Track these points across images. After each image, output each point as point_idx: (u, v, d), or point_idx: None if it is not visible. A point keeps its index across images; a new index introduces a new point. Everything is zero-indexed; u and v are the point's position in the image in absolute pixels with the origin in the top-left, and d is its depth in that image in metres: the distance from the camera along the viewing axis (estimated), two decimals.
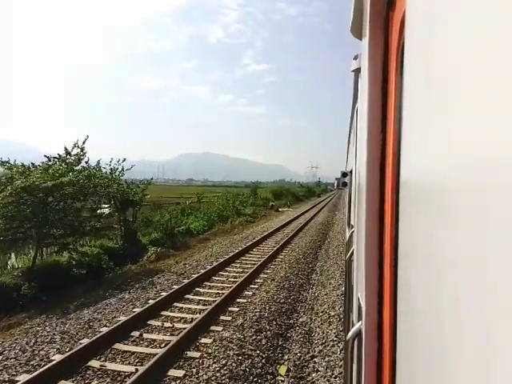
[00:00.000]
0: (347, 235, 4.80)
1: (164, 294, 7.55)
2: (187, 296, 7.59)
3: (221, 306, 6.80)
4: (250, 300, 7.40)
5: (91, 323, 6.20)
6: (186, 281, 8.53)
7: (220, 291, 7.96)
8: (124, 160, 13.47)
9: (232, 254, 11.70)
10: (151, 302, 7.06)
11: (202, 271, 9.41)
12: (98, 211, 16.25)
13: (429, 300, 0.53)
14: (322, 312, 7.00)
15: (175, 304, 7.08)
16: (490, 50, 0.33)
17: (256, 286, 8.41)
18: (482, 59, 0.35)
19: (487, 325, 0.32)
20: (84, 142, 12.33)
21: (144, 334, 5.72)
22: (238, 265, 10.58)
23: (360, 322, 1.33)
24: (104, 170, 13.23)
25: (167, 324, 6.12)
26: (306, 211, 31.73)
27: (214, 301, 7.11)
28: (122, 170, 13.51)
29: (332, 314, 6.83)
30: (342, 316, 6.50)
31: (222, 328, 5.95)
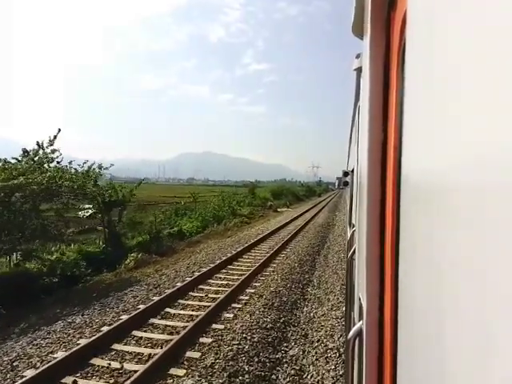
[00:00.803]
0: (348, 234, 4.68)
1: (125, 317, 6.15)
2: (152, 320, 6.16)
3: (190, 336, 5.38)
4: (228, 326, 5.97)
5: (16, 363, 4.79)
6: (156, 298, 7.13)
7: (194, 313, 6.54)
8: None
9: (219, 261, 10.31)
10: (104, 329, 5.65)
11: (179, 284, 8.01)
12: (80, 213, 14.95)
13: (429, 299, 0.53)
14: (318, 341, 5.59)
15: (134, 333, 5.66)
16: (491, 49, 0.33)
17: (239, 306, 6.99)
18: (483, 59, 0.35)
19: (487, 324, 0.33)
20: (55, 137, 10.97)
21: (79, 382, 4.32)
22: (222, 276, 9.17)
23: (361, 321, 1.35)
24: (83, 170, 11.96)
25: (115, 364, 4.70)
26: (306, 211, 30.33)
27: (184, 327, 5.71)
28: (100, 169, 12.16)
29: (330, 345, 5.43)
30: (342, 351, 5.12)
31: (184, 371, 4.54)
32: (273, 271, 9.65)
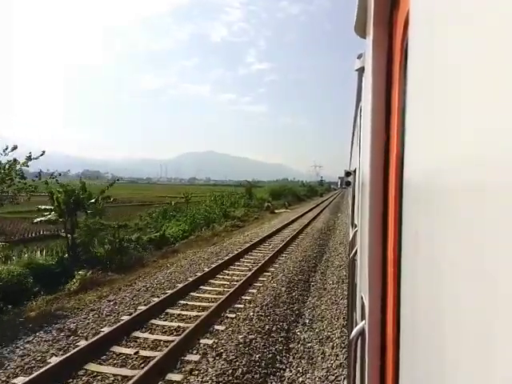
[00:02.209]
0: (350, 234, 4.64)
1: None
2: None
3: None
4: None
5: None
6: (58, 359, 4.66)
7: None
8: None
9: (182, 285, 7.88)
10: None
11: (105, 331, 5.50)
12: (38, 218, 12.59)
13: (432, 299, 0.53)
14: None
15: None
16: (493, 50, 0.33)
17: (178, 378, 4.43)
18: (485, 59, 0.35)
19: (489, 324, 0.33)
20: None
21: None
22: (176, 313, 6.59)
23: (363, 321, 1.35)
24: None
25: None
26: (305, 213, 27.86)
27: None
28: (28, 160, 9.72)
29: None
30: None
31: None
32: (249, 302, 7.14)
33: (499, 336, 0.31)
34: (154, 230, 22.45)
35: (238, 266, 10.16)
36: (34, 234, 20.43)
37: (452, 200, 0.44)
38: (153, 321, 6.07)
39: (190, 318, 6.17)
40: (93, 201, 14.98)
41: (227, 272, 9.40)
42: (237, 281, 8.41)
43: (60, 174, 13.05)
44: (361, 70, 2.15)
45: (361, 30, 1.70)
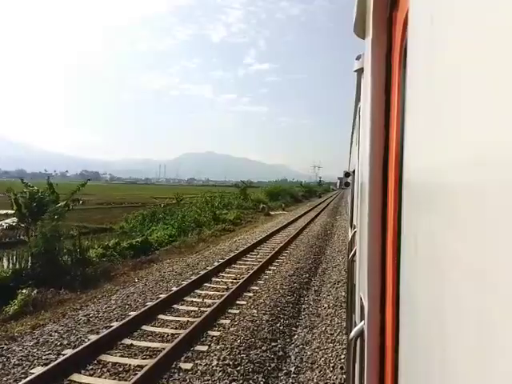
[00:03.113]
0: (349, 235, 4.62)
1: None
2: None
3: None
4: None
5: None
6: None
7: None
8: None
9: (134, 313, 6.16)
10: None
11: None
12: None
13: (431, 299, 0.53)
14: None
15: None
16: (492, 50, 0.33)
17: None
18: (484, 59, 0.35)
19: (489, 324, 0.33)
20: None
21: None
22: (118, 353, 4.95)
23: (362, 322, 1.34)
24: None
25: None
26: (302, 215, 26.17)
27: None
28: None
29: None
30: None
31: None
32: (216, 342, 5.35)
33: (499, 336, 0.30)
34: (140, 234, 20.82)
35: (215, 283, 8.44)
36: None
37: (451, 200, 0.45)
38: (87, 368, 4.29)
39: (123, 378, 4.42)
40: (61, 204, 13.31)
41: (199, 293, 7.65)
42: (208, 306, 6.70)
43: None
44: (360, 71, 2.16)
45: (360, 31, 1.71)
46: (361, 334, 1.35)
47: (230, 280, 8.59)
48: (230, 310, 6.57)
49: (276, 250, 12.10)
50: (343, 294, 7.62)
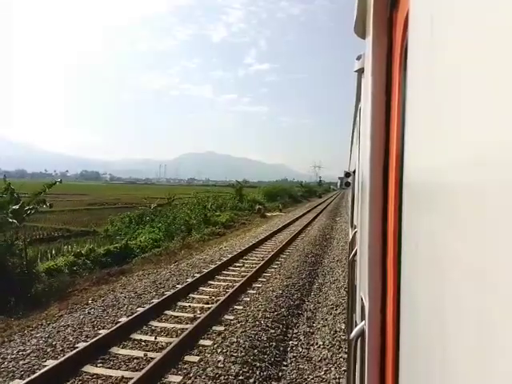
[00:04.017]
0: (350, 235, 4.62)
1: None
2: None
3: None
4: None
5: None
6: None
7: None
8: None
9: (51, 364, 4.42)
10: None
11: None
12: None
13: (432, 299, 0.53)
14: None
15: None
16: (493, 50, 0.33)
17: None
18: (485, 59, 0.35)
19: (490, 324, 0.33)
20: None
21: None
22: None
23: (363, 322, 1.35)
24: None
25: None
26: (300, 217, 24.43)
27: None
28: None
29: None
30: None
31: None
32: None
33: (499, 336, 0.30)
34: (125, 238, 19.12)
35: (181, 309, 6.62)
36: None
37: (451, 200, 0.45)
38: None
39: None
40: (17, 207, 11.50)
41: (154, 327, 5.82)
42: (159, 349, 4.94)
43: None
44: (360, 71, 2.15)
45: (360, 31, 1.71)
46: (361, 333, 1.34)
47: (201, 305, 6.81)
48: (187, 358, 4.76)
49: (265, 259, 10.36)
50: (343, 326, 5.87)
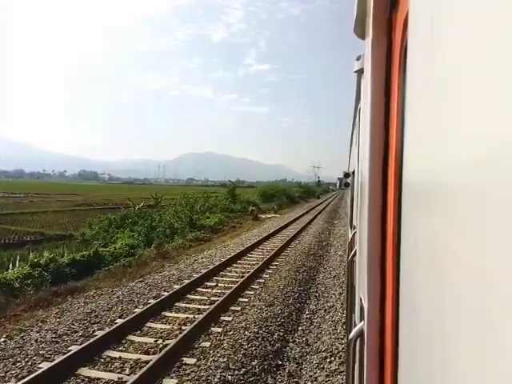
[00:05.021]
0: (349, 236, 4.53)
1: None
2: None
3: None
4: None
5: None
6: None
7: None
8: None
9: None
10: None
11: None
12: None
13: (431, 300, 0.53)
14: None
15: None
16: (492, 50, 0.33)
17: None
18: (485, 59, 0.35)
19: (489, 325, 0.33)
20: None
21: None
22: None
23: (362, 322, 1.34)
24: None
25: None
26: (295, 219, 22.48)
27: None
28: None
29: None
30: None
31: None
32: None
33: (499, 336, 0.30)
34: (102, 243, 17.14)
35: (104, 367, 4.51)
36: None
37: (451, 200, 0.45)
38: None
39: None
40: None
41: None
42: None
43: None
44: (360, 72, 2.15)
45: (360, 32, 1.71)
46: (360, 334, 1.34)
47: (137, 356, 4.76)
48: None
49: (246, 276, 8.38)
50: (344, 377, 3.90)
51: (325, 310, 6.78)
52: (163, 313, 6.29)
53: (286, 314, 6.43)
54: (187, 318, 6.08)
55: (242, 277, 8.52)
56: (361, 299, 1.51)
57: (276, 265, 10.22)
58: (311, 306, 7.05)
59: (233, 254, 11.21)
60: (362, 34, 1.69)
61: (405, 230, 0.78)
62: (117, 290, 8.22)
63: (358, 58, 2.14)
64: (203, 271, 8.98)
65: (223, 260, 10.26)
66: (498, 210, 0.31)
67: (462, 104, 0.41)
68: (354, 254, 2.71)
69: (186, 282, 8.01)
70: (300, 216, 25.01)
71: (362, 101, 2.07)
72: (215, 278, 8.72)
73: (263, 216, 27.02)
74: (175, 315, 6.25)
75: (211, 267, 9.36)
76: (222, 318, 6.12)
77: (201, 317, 5.81)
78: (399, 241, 0.86)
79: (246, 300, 7.08)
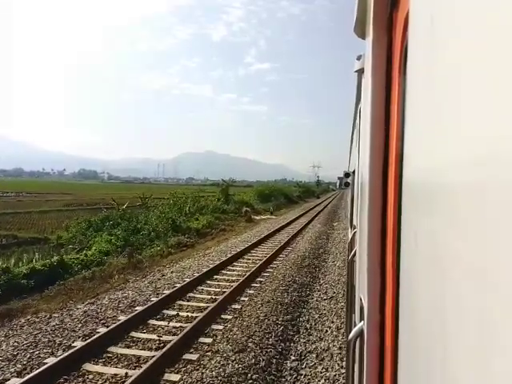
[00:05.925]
0: (349, 235, 4.51)
1: None
2: None
3: None
4: None
5: None
6: None
7: None
8: None
9: None
10: None
11: None
12: None
13: (431, 299, 0.53)
14: None
15: None
16: (493, 50, 0.33)
17: None
18: (485, 59, 0.35)
19: (490, 324, 0.33)
20: None
21: None
22: None
23: (362, 322, 1.34)
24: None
25: None
26: (292, 221, 20.67)
27: None
28: None
29: None
30: None
31: None
32: None
33: (500, 336, 0.30)
34: (78, 248, 15.29)
35: None
36: None
37: (451, 200, 0.44)
38: None
39: None
40: None
41: None
42: None
43: None
44: (360, 72, 2.16)
45: (360, 31, 1.71)
46: (360, 334, 1.34)
47: None
48: None
49: (219, 300, 6.51)
50: None
51: (317, 356, 4.90)
52: (84, 366, 4.38)
53: (263, 364, 4.55)
54: (117, 374, 4.19)
55: (214, 300, 6.66)
56: (361, 299, 1.50)
57: (261, 281, 8.34)
58: (299, 347, 5.18)
59: (211, 266, 9.35)
60: (362, 34, 1.70)
61: (405, 230, 0.78)
62: (56, 316, 6.42)
63: (359, 58, 2.15)
64: (166, 292, 7.11)
65: (197, 275, 8.41)
66: (498, 209, 0.31)
67: (462, 104, 0.41)
68: (354, 254, 2.71)
69: (139, 309, 6.14)
70: (297, 218, 23.16)
71: (363, 100, 2.08)
72: (179, 302, 6.82)
73: (258, 217, 25.17)
74: (102, 370, 4.34)
75: (178, 286, 7.50)
76: (166, 376, 4.22)
77: (137, 374, 3.93)
78: (399, 240, 0.87)
79: (209, 341, 5.15)
